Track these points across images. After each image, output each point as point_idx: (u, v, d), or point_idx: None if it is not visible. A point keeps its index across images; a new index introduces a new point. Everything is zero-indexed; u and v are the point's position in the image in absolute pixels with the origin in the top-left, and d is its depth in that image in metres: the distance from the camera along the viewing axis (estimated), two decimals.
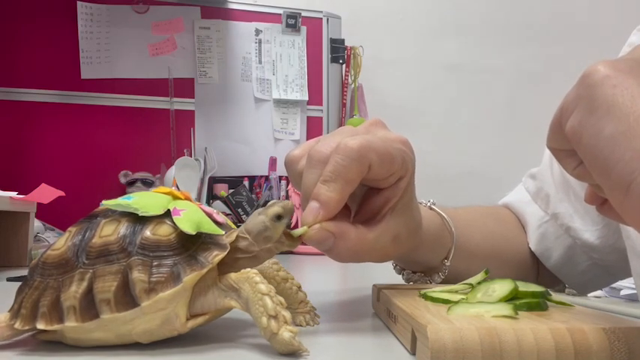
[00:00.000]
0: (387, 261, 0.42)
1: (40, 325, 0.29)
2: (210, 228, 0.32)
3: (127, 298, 0.29)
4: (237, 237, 0.34)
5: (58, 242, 0.32)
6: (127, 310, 0.29)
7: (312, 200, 0.35)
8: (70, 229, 0.33)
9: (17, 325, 0.30)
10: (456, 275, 0.49)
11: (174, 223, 0.31)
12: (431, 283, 0.49)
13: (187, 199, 0.35)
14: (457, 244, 0.49)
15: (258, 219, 0.34)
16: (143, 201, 0.32)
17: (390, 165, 0.36)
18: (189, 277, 0.30)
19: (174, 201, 0.34)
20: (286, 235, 0.34)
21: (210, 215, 0.34)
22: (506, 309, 0.29)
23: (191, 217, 0.32)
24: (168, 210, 0.32)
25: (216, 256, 0.31)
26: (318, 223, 0.35)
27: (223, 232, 0.33)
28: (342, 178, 0.34)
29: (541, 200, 0.60)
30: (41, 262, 0.32)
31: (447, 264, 0.48)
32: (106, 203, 0.33)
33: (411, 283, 0.51)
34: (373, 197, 0.38)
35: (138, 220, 0.31)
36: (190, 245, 0.31)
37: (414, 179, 0.39)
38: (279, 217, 0.33)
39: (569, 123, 0.28)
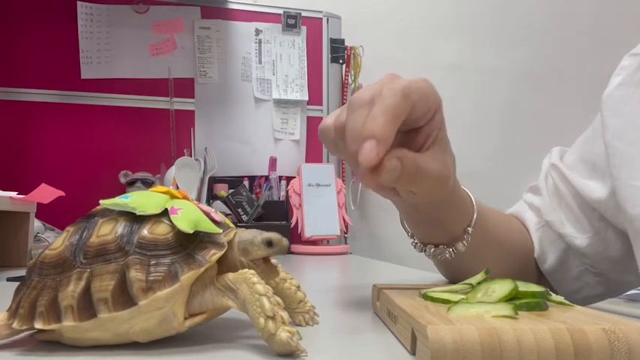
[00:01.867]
0: (437, 195, 0.42)
1: (38, 325, 0.29)
2: (208, 227, 0.32)
3: (124, 298, 0.29)
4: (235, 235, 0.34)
5: (56, 242, 0.32)
6: (124, 309, 0.29)
7: (366, 140, 0.34)
8: (67, 228, 0.33)
9: (15, 324, 0.30)
10: (470, 254, 0.50)
11: (171, 222, 0.31)
12: (454, 254, 0.50)
13: (185, 198, 0.35)
14: (477, 214, 0.50)
15: (252, 232, 0.34)
16: (140, 200, 0.32)
17: (427, 101, 0.38)
18: (187, 276, 0.30)
19: (171, 200, 0.34)
20: (265, 262, 0.34)
21: (207, 214, 0.34)
22: (506, 309, 0.29)
23: (189, 216, 0.32)
24: (166, 209, 0.32)
25: (214, 254, 0.31)
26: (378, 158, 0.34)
27: (221, 231, 0.33)
28: (392, 113, 0.35)
29: (535, 209, 0.63)
30: (39, 261, 0.32)
31: (470, 231, 0.49)
32: (104, 203, 0.33)
33: (438, 257, 0.52)
34: (413, 139, 0.40)
35: (135, 219, 0.31)
36: (188, 244, 0.31)
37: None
38: (268, 243, 0.33)
39: None
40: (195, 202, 0.35)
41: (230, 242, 0.33)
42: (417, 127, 0.40)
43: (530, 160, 0.73)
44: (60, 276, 0.30)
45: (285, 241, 0.33)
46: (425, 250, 0.52)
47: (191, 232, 0.31)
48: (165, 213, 0.32)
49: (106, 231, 0.31)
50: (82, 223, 0.33)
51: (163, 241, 0.31)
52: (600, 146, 0.54)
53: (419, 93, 0.37)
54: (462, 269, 0.52)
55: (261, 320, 0.28)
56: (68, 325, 0.29)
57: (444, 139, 0.41)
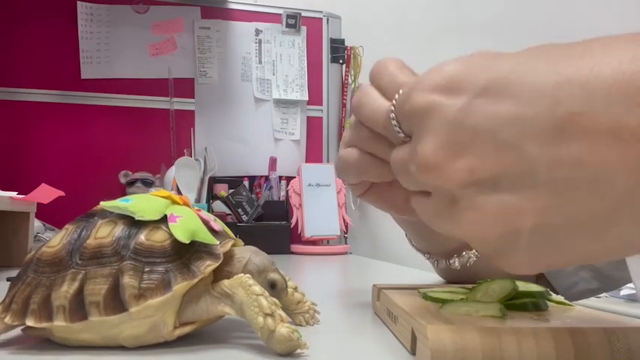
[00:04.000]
0: None
1: (30, 322, 0.30)
2: (205, 237, 0.32)
3: (116, 303, 0.29)
4: (233, 250, 0.34)
5: (54, 239, 0.32)
6: (115, 315, 0.29)
7: None
8: (66, 226, 0.33)
9: (7, 319, 0.30)
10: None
11: (169, 229, 0.31)
12: (469, 261, 0.49)
13: (185, 204, 0.35)
14: None
15: (265, 261, 0.34)
16: (140, 204, 0.32)
17: None
18: (180, 286, 0.30)
19: (172, 206, 0.33)
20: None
21: (207, 223, 0.34)
22: (494, 309, 0.29)
23: (187, 225, 0.31)
24: (165, 215, 0.32)
25: (209, 266, 0.31)
26: None
27: (218, 242, 0.33)
28: None
29: None
30: (36, 258, 0.32)
31: None
32: (104, 205, 0.33)
33: (466, 264, 0.50)
34: None
35: (134, 223, 0.31)
36: (184, 253, 0.31)
37: None
38: (272, 285, 0.33)
39: None
40: (196, 209, 0.35)
41: (227, 253, 0.33)
42: None
43: None
44: (55, 275, 0.31)
45: (284, 294, 0.34)
46: (449, 263, 0.50)
47: (187, 242, 0.31)
48: (164, 219, 0.32)
49: (104, 233, 0.31)
50: (81, 223, 0.33)
51: (159, 248, 0.31)
52: None
53: None
54: (470, 273, 0.51)
55: (260, 319, 0.28)
56: (59, 325, 0.29)
57: None
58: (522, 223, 0.22)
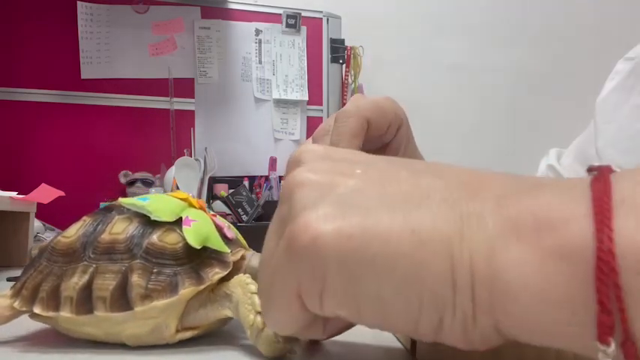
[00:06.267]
0: None
1: (37, 310, 0.30)
2: (217, 244, 0.32)
3: (122, 300, 0.29)
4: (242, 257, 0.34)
5: (71, 230, 0.33)
6: (120, 312, 0.29)
7: None
8: (84, 218, 0.34)
9: (16, 304, 0.31)
10: None
11: (183, 232, 0.31)
12: None
13: (201, 208, 0.35)
14: None
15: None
16: (157, 205, 0.32)
17: (384, 116, 0.38)
18: (187, 291, 0.30)
19: (188, 209, 0.34)
20: None
21: (220, 229, 0.34)
22: None
23: (200, 230, 0.32)
24: (180, 218, 0.32)
25: (217, 273, 0.31)
26: None
27: (229, 251, 0.33)
28: (348, 134, 0.36)
29: None
30: (51, 246, 0.33)
31: None
32: (123, 201, 0.33)
33: None
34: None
35: (149, 222, 0.32)
36: (195, 257, 0.31)
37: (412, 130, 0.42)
38: None
39: None
40: (212, 214, 0.35)
41: (236, 263, 0.33)
42: (384, 145, 0.41)
43: (531, 160, 0.73)
44: (67, 266, 0.31)
45: None
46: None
47: (198, 247, 0.31)
48: (179, 221, 0.32)
49: (119, 230, 0.31)
50: (99, 216, 0.33)
51: (171, 250, 0.31)
52: (594, 150, 0.55)
53: (372, 108, 0.38)
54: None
55: (251, 316, 0.28)
56: (65, 315, 0.29)
57: (412, 155, 0.42)
58: (339, 185, 0.22)
